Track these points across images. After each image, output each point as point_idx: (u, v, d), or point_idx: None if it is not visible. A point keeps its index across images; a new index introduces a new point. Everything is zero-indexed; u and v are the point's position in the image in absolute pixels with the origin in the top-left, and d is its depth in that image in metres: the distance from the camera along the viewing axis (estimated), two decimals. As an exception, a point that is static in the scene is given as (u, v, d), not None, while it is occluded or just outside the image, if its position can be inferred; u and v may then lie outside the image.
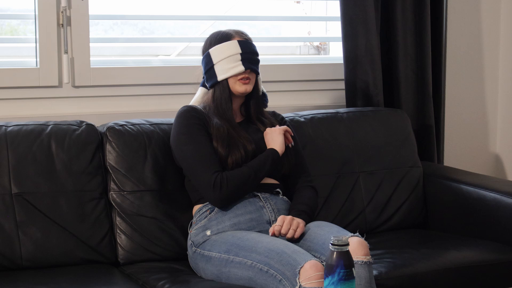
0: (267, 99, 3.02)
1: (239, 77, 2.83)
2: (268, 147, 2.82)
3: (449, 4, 3.86)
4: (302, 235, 2.69)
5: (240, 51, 2.82)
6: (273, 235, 2.66)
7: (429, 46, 3.65)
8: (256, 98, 2.92)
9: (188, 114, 2.83)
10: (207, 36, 2.94)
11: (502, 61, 4.02)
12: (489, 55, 4.00)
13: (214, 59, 2.84)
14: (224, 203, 2.75)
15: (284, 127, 2.87)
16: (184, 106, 2.88)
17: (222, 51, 2.83)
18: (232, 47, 2.82)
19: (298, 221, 2.69)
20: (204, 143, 2.78)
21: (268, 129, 2.87)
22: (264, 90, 3.01)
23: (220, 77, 2.83)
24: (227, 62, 2.82)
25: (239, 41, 2.84)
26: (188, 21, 3.75)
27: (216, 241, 2.68)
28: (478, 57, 3.98)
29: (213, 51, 2.85)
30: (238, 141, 2.79)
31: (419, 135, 3.63)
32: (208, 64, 2.86)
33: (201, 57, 2.91)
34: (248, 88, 2.85)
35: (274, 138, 2.83)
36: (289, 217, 2.69)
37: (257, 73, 2.88)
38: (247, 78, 2.84)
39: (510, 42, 3.98)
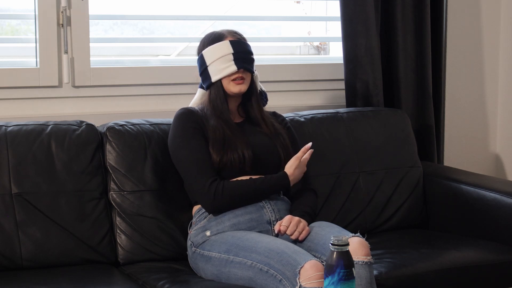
0: (267, 98, 3.01)
1: (233, 77, 2.82)
2: (288, 170, 2.78)
3: (449, 4, 3.86)
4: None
5: (232, 51, 2.82)
6: (278, 232, 2.67)
7: (429, 46, 3.65)
8: (255, 97, 2.92)
9: (184, 117, 2.83)
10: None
11: (502, 61, 4.02)
12: (489, 55, 4.00)
13: (207, 61, 2.84)
14: (216, 211, 2.74)
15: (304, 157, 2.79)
16: (181, 109, 2.88)
17: (214, 52, 2.82)
18: (224, 48, 2.82)
19: (305, 224, 2.69)
20: (198, 148, 2.77)
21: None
22: (263, 89, 3.01)
23: (213, 78, 2.83)
24: (220, 62, 2.81)
25: (231, 41, 2.83)
26: (188, 21, 3.75)
27: (216, 241, 2.68)
28: (478, 57, 3.98)
29: (206, 52, 2.84)
30: (234, 143, 2.78)
31: (419, 135, 3.63)
32: (202, 66, 2.86)
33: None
34: (243, 88, 2.84)
35: (300, 170, 2.79)
36: (297, 218, 2.68)
37: (252, 72, 2.87)
38: (241, 78, 2.83)
39: (510, 42, 3.98)
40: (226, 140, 2.78)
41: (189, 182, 2.80)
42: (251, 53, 2.88)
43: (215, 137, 2.78)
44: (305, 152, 2.78)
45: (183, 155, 2.79)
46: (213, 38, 2.86)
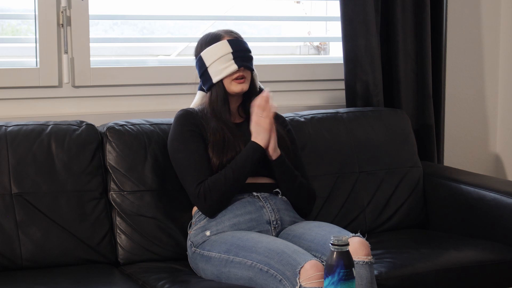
0: None
1: (234, 76, 2.82)
2: (253, 138, 2.74)
3: (449, 4, 3.86)
4: (302, 234, 2.68)
5: (231, 50, 2.81)
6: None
7: (429, 46, 3.65)
8: (255, 96, 2.91)
9: (182, 119, 2.83)
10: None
11: (502, 61, 4.02)
12: (489, 55, 4.00)
13: (207, 62, 2.83)
14: (212, 213, 2.74)
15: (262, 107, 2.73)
16: (181, 110, 2.87)
17: (214, 52, 2.82)
18: (223, 47, 2.81)
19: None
20: (195, 150, 2.77)
21: (253, 119, 2.75)
22: (262, 87, 3.00)
23: (215, 79, 2.83)
24: (220, 63, 2.81)
25: (229, 40, 2.82)
26: (188, 21, 3.75)
27: (215, 241, 2.68)
28: (478, 57, 3.98)
29: (204, 54, 2.84)
30: (234, 144, 2.77)
31: (419, 135, 3.63)
32: (202, 68, 2.86)
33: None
34: (244, 87, 2.84)
35: (259, 131, 2.73)
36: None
37: (251, 70, 2.87)
38: (242, 77, 2.83)
39: (510, 42, 3.98)
40: (226, 142, 2.77)
41: (184, 186, 2.81)
42: (250, 51, 2.87)
43: (215, 139, 2.77)
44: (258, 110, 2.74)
45: (180, 158, 2.79)
46: (210, 39, 2.86)
